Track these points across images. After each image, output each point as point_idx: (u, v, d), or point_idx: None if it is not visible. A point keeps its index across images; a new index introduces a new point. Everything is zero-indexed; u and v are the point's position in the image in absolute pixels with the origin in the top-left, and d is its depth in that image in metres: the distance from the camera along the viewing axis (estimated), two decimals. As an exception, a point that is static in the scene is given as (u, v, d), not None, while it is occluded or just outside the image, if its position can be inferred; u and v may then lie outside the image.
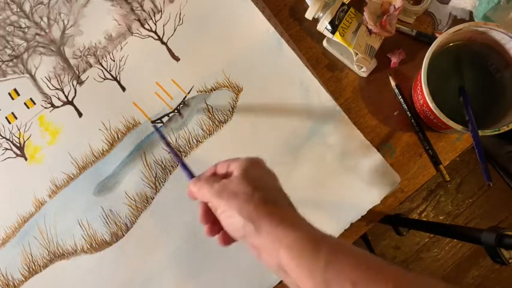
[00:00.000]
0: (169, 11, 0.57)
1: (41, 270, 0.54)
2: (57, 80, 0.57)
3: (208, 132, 0.55)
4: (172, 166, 0.54)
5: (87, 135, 0.56)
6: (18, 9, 0.59)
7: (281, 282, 0.51)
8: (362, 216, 0.51)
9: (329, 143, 0.53)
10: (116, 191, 0.54)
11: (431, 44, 0.47)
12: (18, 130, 0.57)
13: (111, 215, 0.54)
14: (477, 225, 1.26)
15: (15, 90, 0.57)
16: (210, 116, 0.55)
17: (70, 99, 0.57)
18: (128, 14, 0.58)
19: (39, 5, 0.58)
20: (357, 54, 0.52)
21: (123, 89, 0.56)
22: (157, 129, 0.47)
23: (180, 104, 0.56)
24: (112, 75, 0.57)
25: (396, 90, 0.54)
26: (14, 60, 0.58)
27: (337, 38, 0.52)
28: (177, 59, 0.57)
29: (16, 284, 0.54)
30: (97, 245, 0.53)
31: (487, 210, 1.26)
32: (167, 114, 0.56)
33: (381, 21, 0.52)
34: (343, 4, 0.52)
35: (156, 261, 0.52)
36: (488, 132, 0.45)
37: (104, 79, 0.57)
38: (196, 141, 0.55)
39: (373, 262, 0.29)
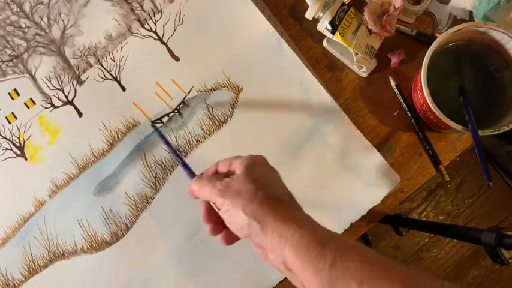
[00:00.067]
0: (169, 11, 0.57)
1: (41, 270, 0.54)
2: (57, 80, 0.57)
3: (208, 132, 0.55)
4: (172, 166, 0.54)
5: (87, 135, 0.56)
6: (18, 9, 0.59)
7: (281, 282, 0.51)
8: (362, 216, 0.51)
9: (329, 143, 0.53)
10: (116, 191, 0.54)
11: (431, 44, 0.47)
12: (18, 130, 0.57)
13: (111, 215, 0.54)
14: (477, 225, 1.26)
15: (15, 90, 0.57)
16: (210, 116, 0.55)
17: (70, 99, 0.57)
18: (128, 14, 0.58)
19: (39, 5, 0.58)
20: (357, 54, 0.52)
21: (123, 89, 0.56)
22: (156, 128, 0.47)
23: (180, 104, 0.56)
24: (112, 75, 0.57)
25: (396, 90, 0.54)
26: (14, 60, 0.58)
27: (337, 38, 0.52)
28: (177, 59, 0.57)
29: (16, 284, 0.54)
30: (97, 245, 0.53)
31: (487, 210, 1.26)
32: (167, 114, 0.56)
33: (381, 21, 0.52)
34: (343, 4, 0.52)
35: (156, 261, 0.52)
36: (488, 132, 0.45)
37: (104, 79, 0.57)
38: (196, 141, 0.55)
39: (380, 261, 0.29)
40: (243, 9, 0.56)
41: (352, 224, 0.51)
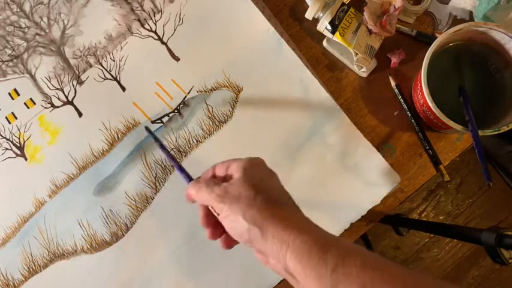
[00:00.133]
0: (169, 11, 0.57)
1: (41, 270, 0.54)
2: (57, 80, 0.57)
3: (208, 132, 0.55)
4: (172, 166, 0.54)
5: (87, 135, 0.56)
6: (18, 9, 0.59)
7: (281, 282, 0.51)
8: (362, 216, 0.51)
9: (329, 143, 0.53)
10: (116, 191, 0.54)
11: (431, 44, 0.47)
12: (18, 130, 0.57)
13: (111, 215, 0.54)
14: (477, 225, 1.26)
15: (15, 90, 0.57)
16: (210, 116, 0.55)
17: (70, 99, 0.57)
18: (128, 14, 0.58)
19: (39, 5, 0.58)
20: (357, 54, 0.52)
21: (123, 89, 0.56)
22: (151, 132, 0.45)
23: (180, 104, 0.56)
24: (112, 75, 0.57)
25: (396, 90, 0.54)
26: (14, 60, 0.58)
27: (337, 38, 0.52)
28: (177, 59, 0.57)
29: (16, 284, 0.54)
30: (97, 245, 0.53)
31: (487, 210, 1.26)
32: (167, 114, 0.56)
33: (381, 21, 0.52)
34: (343, 4, 0.52)
35: (156, 261, 0.52)
36: (488, 132, 0.45)
37: (104, 79, 0.57)
38: (196, 141, 0.55)
39: (382, 265, 0.29)
40: (243, 9, 0.56)
41: (352, 224, 0.51)
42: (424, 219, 1.26)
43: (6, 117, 0.57)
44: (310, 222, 0.34)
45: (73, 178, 0.55)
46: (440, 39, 0.47)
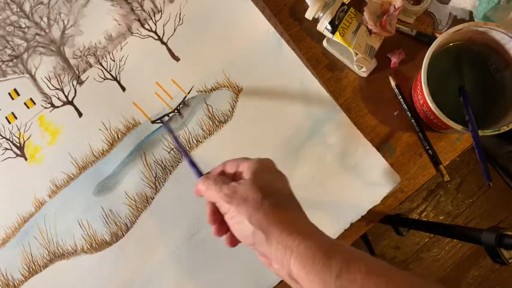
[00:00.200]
0: (169, 11, 0.57)
1: (41, 270, 0.54)
2: (57, 80, 0.57)
3: (208, 132, 0.55)
4: (172, 166, 0.54)
5: (87, 135, 0.56)
6: (18, 9, 0.59)
7: (281, 282, 0.51)
8: (362, 216, 0.51)
9: (329, 143, 0.53)
10: (116, 191, 0.54)
11: (431, 44, 0.47)
12: (18, 130, 0.57)
13: (111, 215, 0.54)
14: (477, 225, 1.26)
15: (15, 90, 0.57)
16: (210, 116, 0.55)
17: (70, 99, 0.57)
18: (128, 14, 0.58)
19: (39, 5, 0.58)
20: (357, 54, 0.52)
21: (123, 89, 0.56)
22: (165, 125, 0.46)
23: (180, 104, 0.56)
24: (112, 75, 0.57)
25: (396, 90, 0.54)
26: (14, 60, 0.58)
27: (337, 38, 0.52)
28: (177, 59, 0.57)
29: (16, 284, 0.54)
30: (97, 245, 0.53)
31: (487, 210, 1.26)
32: (167, 114, 0.56)
33: (381, 21, 0.52)
34: (343, 4, 0.52)
35: (156, 261, 0.52)
36: (488, 132, 0.45)
37: (104, 79, 0.57)
38: (196, 141, 0.55)
39: (386, 271, 0.29)
40: (243, 9, 0.56)
41: (352, 224, 0.51)
42: (424, 219, 1.26)
43: (6, 117, 0.57)
44: (315, 227, 0.34)
45: (73, 178, 0.55)
46: (440, 39, 0.47)
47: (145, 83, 0.56)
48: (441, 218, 1.27)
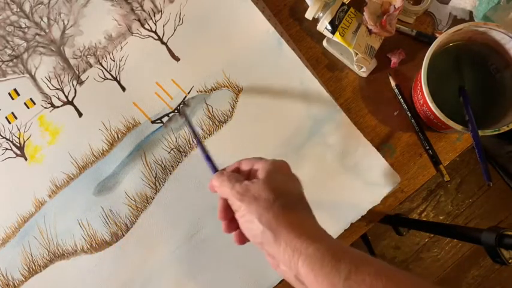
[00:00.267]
0: (169, 11, 0.57)
1: (41, 270, 0.54)
2: (57, 80, 0.57)
3: (208, 132, 0.55)
4: (172, 166, 0.54)
5: (87, 135, 0.56)
6: (18, 9, 0.59)
7: (281, 282, 0.51)
8: (362, 216, 0.51)
9: (329, 143, 0.53)
10: (116, 191, 0.54)
11: (431, 44, 0.47)
12: (18, 130, 0.57)
13: (111, 215, 0.54)
14: (477, 225, 1.26)
15: (15, 90, 0.57)
16: (210, 116, 0.55)
17: (70, 99, 0.57)
18: (128, 14, 0.58)
19: (39, 5, 0.58)
20: (357, 54, 0.52)
21: (123, 89, 0.56)
22: (186, 117, 0.47)
23: (180, 104, 0.56)
24: (112, 75, 0.57)
25: (396, 90, 0.54)
26: (14, 60, 0.58)
27: (337, 38, 0.52)
28: (177, 59, 0.57)
29: (16, 284, 0.54)
30: (97, 245, 0.53)
31: (487, 210, 1.26)
32: (167, 114, 0.56)
33: (381, 21, 0.52)
34: (343, 4, 0.52)
35: (156, 261, 0.52)
36: (488, 132, 0.45)
37: (104, 79, 0.57)
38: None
39: (395, 274, 0.29)
40: (243, 9, 0.56)
41: (352, 224, 0.51)
42: (424, 219, 1.26)
43: (6, 117, 0.57)
44: (323, 230, 0.34)
45: (73, 178, 0.55)
46: (440, 39, 0.47)
47: (145, 83, 0.56)
48: (441, 218, 1.27)
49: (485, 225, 0.54)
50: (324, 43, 0.56)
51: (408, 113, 0.54)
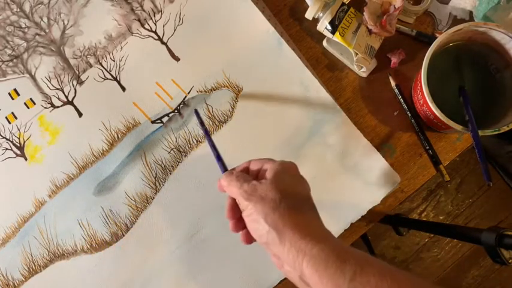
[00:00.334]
0: (169, 11, 0.57)
1: (41, 270, 0.54)
2: (57, 80, 0.57)
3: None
4: (172, 166, 0.54)
5: (87, 135, 0.56)
6: (18, 9, 0.59)
7: (281, 282, 0.51)
8: (362, 216, 0.51)
9: (329, 143, 0.53)
10: (116, 191, 0.54)
11: (431, 44, 0.47)
12: (18, 130, 0.57)
13: (111, 215, 0.54)
14: (477, 225, 1.26)
15: (15, 90, 0.57)
16: (210, 116, 0.55)
17: (70, 99, 0.57)
18: (128, 14, 0.58)
19: (39, 5, 0.58)
20: (357, 54, 0.52)
21: (123, 89, 0.56)
22: (198, 115, 0.48)
23: (180, 104, 0.56)
24: (112, 75, 0.57)
25: (396, 90, 0.54)
26: (14, 60, 0.58)
27: (337, 38, 0.52)
28: (177, 59, 0.57)
29: (16, 284, 0.54)
30: (97, 245, 0.53)
31: (487, 210, 1.26)
32: (167, 114, 0.56)
33: (381, 21, 0.52)
34: (343, 4, 0.52)
35: (156, 261, 0.52)
36: (488, 132, 0.45)
37: (104, 79, 0.57)
38: (196, 141, 0.55)
39: (399, 275, 0.29)
40: (243, 9, 0.56)
41: (352, 224, 0.51)
42: (424, 219, 1.26)
43: (6, 117, 0.57)
44: (329, 232, 0.34)
45: (73, 178, 0.55)
46: (440, 39, 0.47)
47: (145, 83, 0.56)
48: (441, 218, 1.27)
49: (485, 225, 0.54)
50: (324, 43, 0.56)
51: (408, 113, 0.54)
